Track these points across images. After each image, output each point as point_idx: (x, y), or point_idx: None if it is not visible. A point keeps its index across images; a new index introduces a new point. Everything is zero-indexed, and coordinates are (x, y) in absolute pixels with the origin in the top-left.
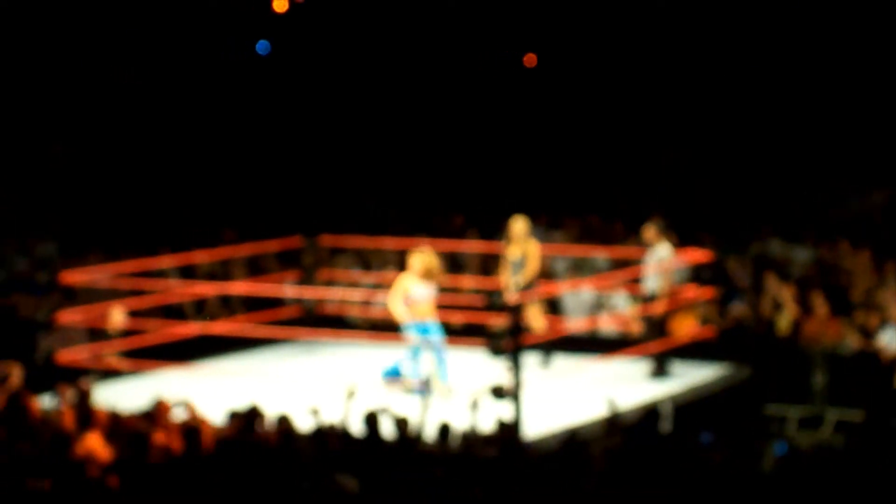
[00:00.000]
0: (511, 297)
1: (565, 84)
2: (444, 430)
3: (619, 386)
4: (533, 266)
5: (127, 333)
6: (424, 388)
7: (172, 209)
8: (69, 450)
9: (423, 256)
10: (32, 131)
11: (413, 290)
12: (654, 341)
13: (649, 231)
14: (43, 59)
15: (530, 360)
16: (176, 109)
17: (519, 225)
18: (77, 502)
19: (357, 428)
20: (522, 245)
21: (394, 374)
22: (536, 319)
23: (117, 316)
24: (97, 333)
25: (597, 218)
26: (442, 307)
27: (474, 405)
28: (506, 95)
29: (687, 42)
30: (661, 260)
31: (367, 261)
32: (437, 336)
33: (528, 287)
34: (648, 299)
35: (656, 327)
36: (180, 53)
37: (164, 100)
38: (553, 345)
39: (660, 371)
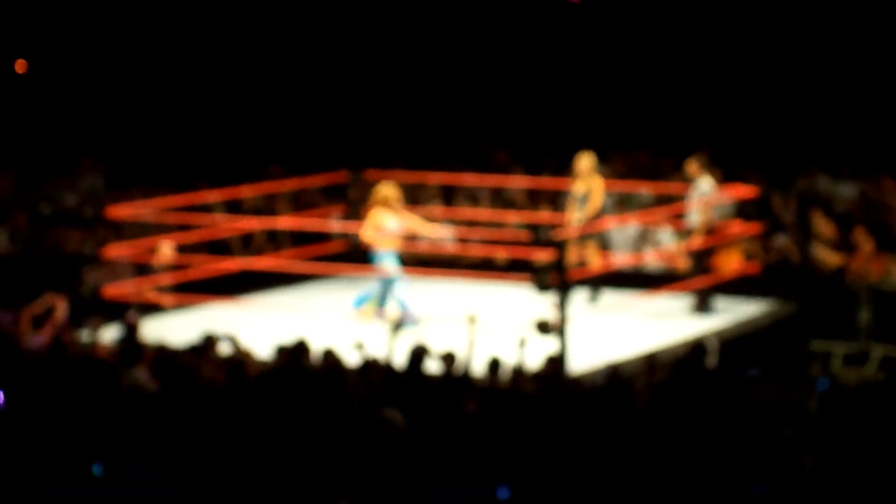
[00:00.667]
0: (566, 232)
1: (614, 20)
2: (494, 365)
3: (665, 321)
4: (594, 202)
5: (174, 268)
6: (410, 318)
7: (218, 143)
8: (114, 383)
9: (392, 189)
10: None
11: (387, 222)
12: (698, 276)
13: (692, 166)
14: None
15: (577, 296)
16: (225, 43)
17: (584, 161)
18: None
19: (402, 362)
20: (587, 181)
21: (362, 302)
22: (593, 255)
23: (166, 249)
24: (144, 268)
25: (644, 153)
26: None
27: (522, 342)
28: (551, 30)
29: None
30: (702, 194)
31: (412, 195)
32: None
33: (589, 222)
34: (691, 234)
35: (699, 262)
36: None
37: (214, 32)
38: (600, 280)
39: (703, 306)
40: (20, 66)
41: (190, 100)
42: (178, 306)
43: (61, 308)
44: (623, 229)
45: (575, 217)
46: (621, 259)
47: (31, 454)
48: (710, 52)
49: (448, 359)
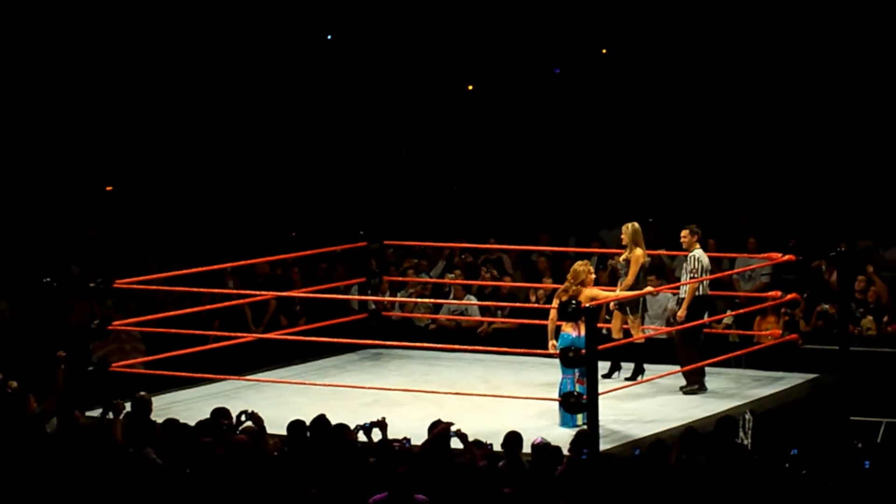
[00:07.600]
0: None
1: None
2: (516, 443)
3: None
4: (631, 273)
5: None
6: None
7: (234, 213)
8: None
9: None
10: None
11: None
12: (687, 350)
13: (685, 236)
14: None
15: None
16: (251, 110)
17: (625, 230)
18: None
19: (422, 442)
20: (628, 251)
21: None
22: (634, 328)
23: None
24: (153, 340)
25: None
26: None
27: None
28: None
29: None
30: (693, 266)
31: (433, 264)
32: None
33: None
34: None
35: (689, 335)
36: None
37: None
38: (637, 353)
39: (692, 384)
40: None
41: (207, 171)
42: (189, 381)
43: (60, 378)
44: (657, 299)
45: (618, 288)
46: (653, 330)
47: None
48: (747, 119)
49: (466, 438)
